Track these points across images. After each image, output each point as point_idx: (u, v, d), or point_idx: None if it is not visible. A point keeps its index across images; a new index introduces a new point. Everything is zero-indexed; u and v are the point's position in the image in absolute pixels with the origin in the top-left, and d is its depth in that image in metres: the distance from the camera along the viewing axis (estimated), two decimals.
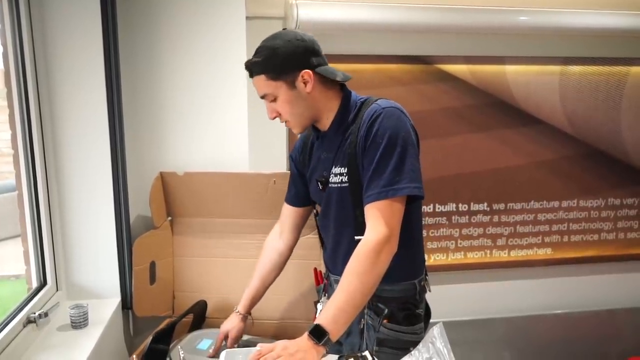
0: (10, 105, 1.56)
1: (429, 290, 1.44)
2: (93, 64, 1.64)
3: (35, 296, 1.57)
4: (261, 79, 1.28)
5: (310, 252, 1.82)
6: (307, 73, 1.28)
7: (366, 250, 1.19)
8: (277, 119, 1.35)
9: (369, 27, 2.14)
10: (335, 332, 1.13)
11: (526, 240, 2.57)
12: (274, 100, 1.30)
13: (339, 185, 1.34)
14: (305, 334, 1.13)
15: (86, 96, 1.65)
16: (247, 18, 2.06)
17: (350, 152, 1.29)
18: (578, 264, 2.65)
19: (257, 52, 1.30)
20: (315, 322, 1.15)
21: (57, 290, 1.72)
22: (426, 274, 1.44)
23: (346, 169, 1.31)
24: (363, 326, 1.35)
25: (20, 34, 1.54)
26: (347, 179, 1.31)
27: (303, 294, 1.62)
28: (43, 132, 1.63)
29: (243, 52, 1.88)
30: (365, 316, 1.35)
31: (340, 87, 1.36)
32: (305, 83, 1.28)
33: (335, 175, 1.34)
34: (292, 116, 1.32)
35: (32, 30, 1.58)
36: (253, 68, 1.30)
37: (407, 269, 1.37)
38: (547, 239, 2.59)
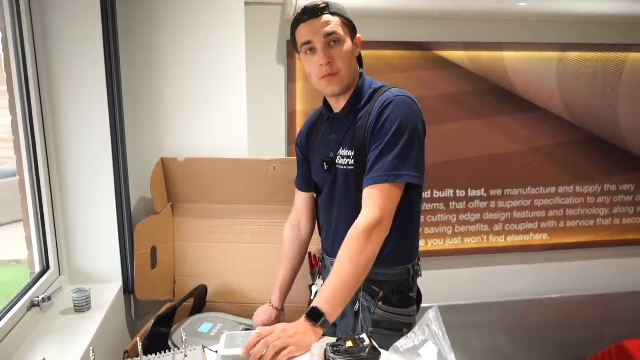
0: (10, 91, 1.56)
1: (421, 275, 1.47)
2: (92, 49, 1.64)
3: (38, 281, 1.59)
4: (336, 17, 1.30)
5: None
6: (360, 39, 1.38)
7: (357, 232, 1.22)
8: (322, 70, 1.31)
9: (366, 13, 2.13)
10: (331, 313, 1.16)
11: (523, 226, 2.60)
12: (337, 43, 1.29)
13: (345, 167, 1.36)
14: (303, 317, 1.16)
15: (86, 82, 1.66)
16: (246, 4, 2.06)
17: (359, 136, 1.32)
18: (574, 249, 2.67)
19: (326, 2, 1.31)
20: (312, 305, 1.17)
21: (60, 274, 1.74)
22: (419, 259, 1.47)
23: (353, 152, 1.34)
24: (358, 308, 1.38)
25: (20, 18, 1.53)
26: (353, 162, 1.34)
27: (299, 277, 1.65)
28: (44, 118, 1.64)
29: (242, 38, 1.89)
30: (361, 298, 1.38)
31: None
32: (357, 47, 1.37)
33: (342, 157, 1.36)
34: (346, 67, 1.32)
35: (31, 15, 1.58)
36: (332, 6, 1.30)
37: (402, 254, 1.40)
38: (543, 225, 2.62)
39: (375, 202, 1.23)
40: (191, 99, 1.90)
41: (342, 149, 1.37)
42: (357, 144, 1.32)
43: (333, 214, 1.45)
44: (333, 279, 1.20)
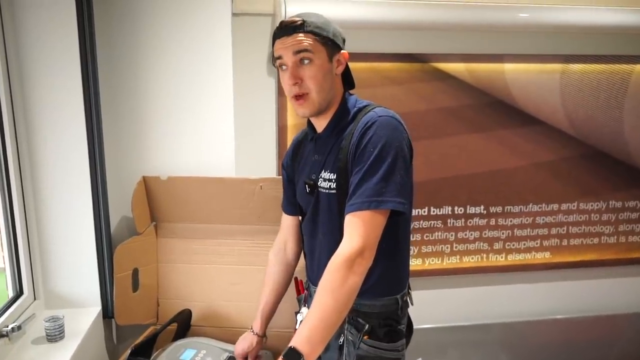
0: None
1: (412, 304, 1.38)
2: (68, 61, 1.56)
3: (9, 308, 1.51)
4: (309, 36, 1.20)
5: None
6: (345, 55, 1.27)
7: (337, 264, 1.12)
8: (293, 90, 1.24)
9: (361, 24, 2.05)
10: (310, 353, 1.07)
11: (524, 244, 2.50)
12: (308, 61, 1.21)
13: (327, 191, 1.29)
14: (280, 357, 1.07)
15: (61, 97, 1.58)
16: (234, 14, 1.99)
17: (342, 158, 1.24)
18: (578, 268, 2.58)
19: (307, 15, 1.23)
20: (289, 345, 1.08)
21: (35, 299, 1.66)
22: (409, 288, 1.38)
23: (335, 175, 1.26)
24: (343, 342, 1.30)
25: None
26: (336, 185, 1.26)
27: (286, 301, 1.57)
28: (17, 135, 1.57)
29: (229, 51, 1.81)
30: (345, 332, 1.30)
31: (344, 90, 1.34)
32: (338, 64, 1.26)
33: (325, 180, 1.29)
34: (317, 88, 1.22)
35: (3, 29, 1.50)
36: (307, 24, 1.20)
37: (389, 283, 1.31)
38: (545, 243, 2.52)
39: (357, 230, 1.14)
40: (176, 114, 1.81)
41: (324, 172, 1.30)
42: (339, 166, 1.25)
43: (317, 239, 1.37)
44: (312, 315, 1.11)
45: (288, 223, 1.54)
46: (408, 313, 1.41)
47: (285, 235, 1.55)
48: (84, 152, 1.62)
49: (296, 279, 1.61)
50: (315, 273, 1.39)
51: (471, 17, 2.12)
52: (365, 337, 1.27)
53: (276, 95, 2.15)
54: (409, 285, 1.40)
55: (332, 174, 1.27)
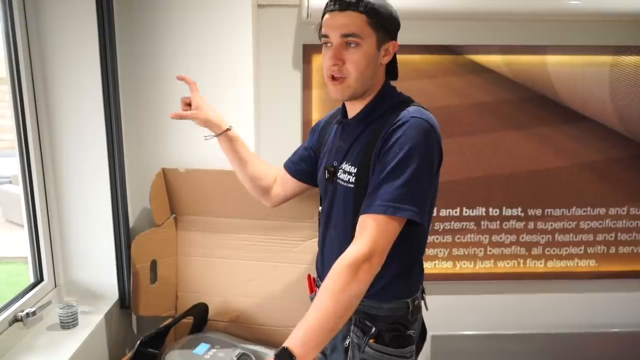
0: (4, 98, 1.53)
1: (426, 309, 1.29)
2: (88, 54, 1.59)
3: (27, 293, 1.55)
4: (361, 17, 1.12)
5: (314, 257, 1.70)
6: (395, 45, 1.20)
7: (342, 266, 1.06)
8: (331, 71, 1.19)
9: None
10: (303, 356, 1.02)
11: (566, 250, 2.32)
12: (355, 45, 1.14)
13: (345, 184, 1.23)
14: (273, 356, 1.03)
15: (82, 89, 1.60)
16: (260, 6, 1.96)
17: (366, 153, 1.18)
18: (627, 278, 2.37)
19: None
20: (283, 345, 1.03)
21: (56, 286, 1.69)
22: (423, 292, 1.29)
23: (356, 169, 1.20)
24: (348, 344, 1.24)
25: (13, 25, 1.50)
26: (355, 180, 1.20)
27: (298, 299, 1.52)
28: (39, 126, 1.60)
29: (249, 43, 1.78)
30: (352, 334, 1.24)
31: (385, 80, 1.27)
32: (386, 53, 1.19)
33: (344, 172, 1.24)
34: (357, 74, 1.16)
35: (26, 21, 1.53)
36: (364, 2, 1.12)
37: (401, 287, 1.25)
38: (590, 250, 2.33)
39: (368, 233, 1.08)
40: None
41: (346, 163, 1.24)
42: (361, 160, 1.19)
43: (328, 234, 1.33)
44: (310, 317, 1.06)
45: (283, 173, 1.53)
46: (422, 319, 1.33)
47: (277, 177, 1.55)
48: (102, 144, 1.64)
49: (309, 276, 1.56)
50: (325, 270, 1.33)
51: (510, 4, 1.98)
52: (371, 341, 1.21)
53: (301, 89, 2.10)
54: (423, 289, 1.32)
55: (353, 167, 1.21)
